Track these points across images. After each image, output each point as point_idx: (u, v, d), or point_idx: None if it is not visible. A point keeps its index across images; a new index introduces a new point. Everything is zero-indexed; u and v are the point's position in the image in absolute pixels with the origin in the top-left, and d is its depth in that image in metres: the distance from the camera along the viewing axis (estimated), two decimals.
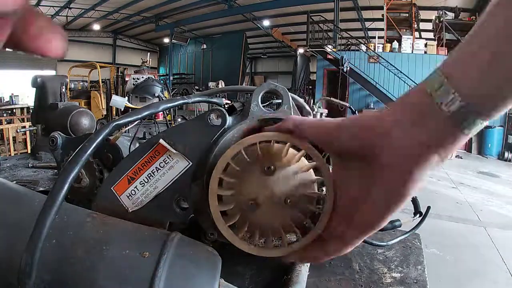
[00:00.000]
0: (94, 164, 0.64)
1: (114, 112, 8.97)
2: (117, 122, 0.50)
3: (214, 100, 0.65)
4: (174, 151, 0.55)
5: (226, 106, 0.69)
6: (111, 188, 0.54)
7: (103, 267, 0.43)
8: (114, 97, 0.75)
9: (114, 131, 0.53)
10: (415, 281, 0.75)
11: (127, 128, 0.59)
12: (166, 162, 0.56)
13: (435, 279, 2.80)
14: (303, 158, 0.61)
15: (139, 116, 0.53)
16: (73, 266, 0.43)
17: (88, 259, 0.44)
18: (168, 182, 0.56)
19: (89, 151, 0.45)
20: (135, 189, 0.55)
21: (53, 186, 0.42)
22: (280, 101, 0.61)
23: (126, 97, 2.02)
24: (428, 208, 0.87)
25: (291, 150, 0.60)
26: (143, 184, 0.55)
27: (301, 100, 0.69)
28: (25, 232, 0.45)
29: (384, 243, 0.83)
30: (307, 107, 0.72)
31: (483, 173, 7.22)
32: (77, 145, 0.49)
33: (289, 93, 0.60)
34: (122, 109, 1.84)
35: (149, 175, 0.55)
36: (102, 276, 0.43)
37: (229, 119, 0.60)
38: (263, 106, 0.61)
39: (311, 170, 0.63)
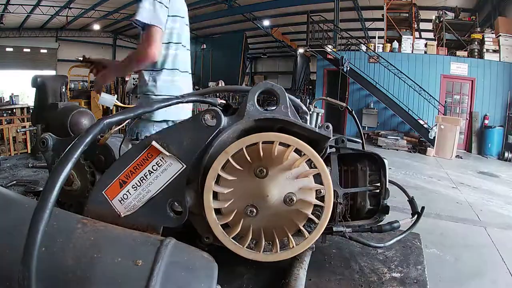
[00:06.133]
0: (85, 166, 0.62)
1: (114, 113, 8.91)
2: (108, 120, 0.48)
3: (209, 99, 0.64)
4: (168, 153, 0.53)
5: (221, 105, 0.67)
6: (103, 192, 0.53)
7: (94, 276, 0.41)
8: (103, 94, 0.73)
9: (106, 130, 0.51)
10: (415, 281, 0.74)
11: (118, 128, 0.58)
12: (159, 164, 0.54)
13: (435, 279, 2.79)
14: (304, 163, 0.60)
15: (132, 114, 0.51)
16: (63, 275, 0.42)
17: (79, 268, 0.42)
18: (162, 186, 0.55)
19: (79, 151, 0.43)
20: (127, 193, 0.53)
21: (43, 190, 0.41)
22: None
23: (115, 95, 1.97)
24: (423, 208, 0.87)
25: (293, 153, 0.59)
26: (135, 188, 0.54)
27: (298, 100, 0.68)
28: (15, 238, 0.44)
29: (382, 244, 0.82)
30: (304, 107, 0.70)
31: (483, 173, 7.20)
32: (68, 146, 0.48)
33: (286, 93, 0.59)
34: (111, 108, 1.81)
35: (142, 179, 0.54)
36: (94, 286, 0.41)
37: (225, 119, 0.58)
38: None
39: (311, 177, 0.62)
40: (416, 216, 0.85)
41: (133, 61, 1.68)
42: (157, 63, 1.74)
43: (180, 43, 1.83)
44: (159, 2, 1.60)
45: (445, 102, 10.44)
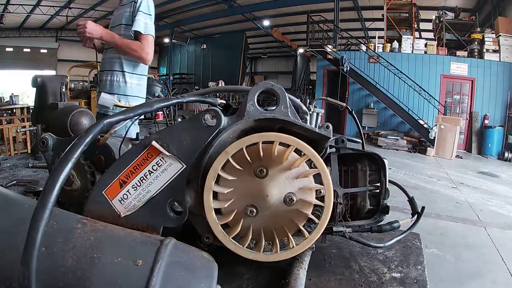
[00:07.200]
0: (85, 166, 0.62)
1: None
2: (108, 120, 0.48)
3: (209, 99, 0.64)
4: (168, 153, 0.53)
5: (221, 105, 0.67)
6: (103, 192, 0.53)
7: (94, 276, 0.41)
8: (103, 94, 0.72)
9: (106, 130, 0.51)
10: (415, 281, 0.74)
11: (119, 127, 0.58)
12: (159, 164, 0.54)
13: (435, 279, 2.79)
14: (304, 163, 0.60)
15: (132, 114, 0.51)
16: (63, 275, 0.41)
17: (79, 268, 0.42)
18: (162, 186, 0.55)
19: (79, 150, 0.43)
20: (127, 193, 0.53)
21: (43, 190, 0.41)
22: None
23: (115, 95, 2.03)
24: (423, 208, 0.87)
25: (293, 153, 0.59)
26: (135, 188, 0.54)
27: (298, 100, 0.68)
28: (15, 238, 0.44)
29: (382, 244, 0.82)
30: (304, 107, 0.70)
31: (483, 173, 7.21)
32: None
33: (286, 93, 0.59)
34: (111, 108, 1.85)
35: (142, 179, 0.54)
36: (94, 286, 0.41)
37: (225, 120, 0.58)
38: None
39: (311, 177, 0.62)
40: (416, 216, 0.85)
41: (129, 49, 2.00)
42: (140, 69, 2.17)
43: None
44: (150, 17, 2.05)
45: (445, 102, 10.44)
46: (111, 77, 2.15)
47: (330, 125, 0.63)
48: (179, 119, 6.63)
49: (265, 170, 0.59)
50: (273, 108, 0.61)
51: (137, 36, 2.02)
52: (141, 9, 2.00)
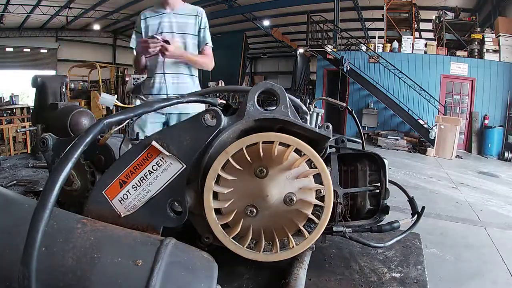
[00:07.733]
0: (85, 166, 0.62)
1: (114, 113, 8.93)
2: (108, 120, 0.48)
3: (209, 99, 0.64)
4: (168, 153, 0.53)
5: (221, 105, 0.67)
6: (103, 192, 0.53)
7: (94, 276, 0.41)
8: (103, 95, 0.72)
9: (106, 130, 0.51)
10: (415, 281, 0.74)
11: (118, 127, 0.58)
12: (159, 164, 0.54)
13: (435, 279, 2.79)
14: (304, 163, 0.60)
15: (132, 114, 0.51)
16: (63, 275, 0.42)
17: (79, 268, 0.42)
18: (162, 186, 0.55)
19: (79, 151, 0.43)
20: (127, 193, 0.53)
21: (43, 190, 0.41)
22: None
23: (115, 95, 2.03)
24: (423, 208, 0.87)
25: (292, 153, 0.59)
26: (135, 188, 0.54)
27: (298, 100, 0.68)
28: (15, 238, 0.44)
29: (382, 244, 0.82)
30: (304, 107, 0.70)
31: (483, 173, 7.20)
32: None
33: (286, 93, 0.59)
34: (111, 108, 1.86)
35: (142, 179, 0.54)
36: (94, 286, 0.41)
37: (225, 120, 0.58)
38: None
39: (311, 177, 0.62)
40: (416, 216, 0.85)
41: (206, 63, 2.36)
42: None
43: None
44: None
45: (445, 102, 10.44)
46: (178, 80, 2.21)
47: (330, 125, 0.63)
48: None
49: (265, 170, 0.59)
50: (273, 108, 0.61)
51: (204, 47, 2.32)
52: (207, 25, 2.29)
